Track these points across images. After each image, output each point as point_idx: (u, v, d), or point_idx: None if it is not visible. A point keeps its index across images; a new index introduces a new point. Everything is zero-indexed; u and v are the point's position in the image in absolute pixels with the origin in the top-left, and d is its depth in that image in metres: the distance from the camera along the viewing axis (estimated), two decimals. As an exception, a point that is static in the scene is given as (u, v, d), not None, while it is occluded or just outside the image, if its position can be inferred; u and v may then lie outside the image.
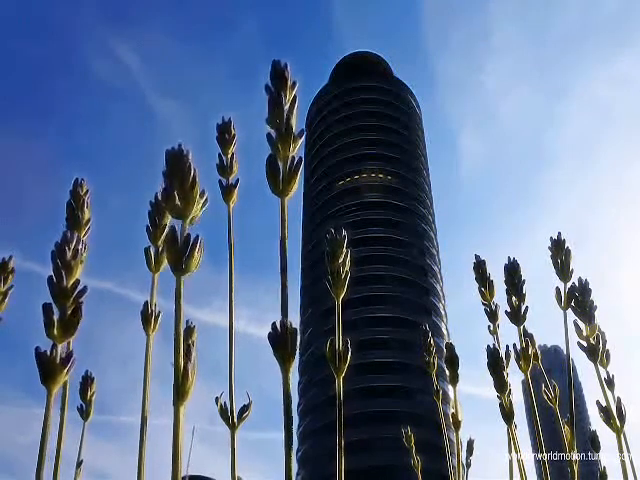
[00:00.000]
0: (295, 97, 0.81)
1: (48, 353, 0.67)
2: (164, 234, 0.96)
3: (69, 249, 0.70)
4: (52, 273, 0.69)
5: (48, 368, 0.66)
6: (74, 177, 0.97)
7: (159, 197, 0.97)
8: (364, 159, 53.28)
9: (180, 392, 0.63)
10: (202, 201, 0.71)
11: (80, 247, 0.72)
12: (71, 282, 0.69)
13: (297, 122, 0.80)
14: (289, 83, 0.81)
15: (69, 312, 0.68)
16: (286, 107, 0.79)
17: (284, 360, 0.70)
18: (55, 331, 0.67)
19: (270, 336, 0.71)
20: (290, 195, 0.77)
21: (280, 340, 0.70)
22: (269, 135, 0.78)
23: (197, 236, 0.67)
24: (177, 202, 0.68)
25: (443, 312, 49.99)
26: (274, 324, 0.71)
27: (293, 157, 0.78)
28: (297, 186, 0.78)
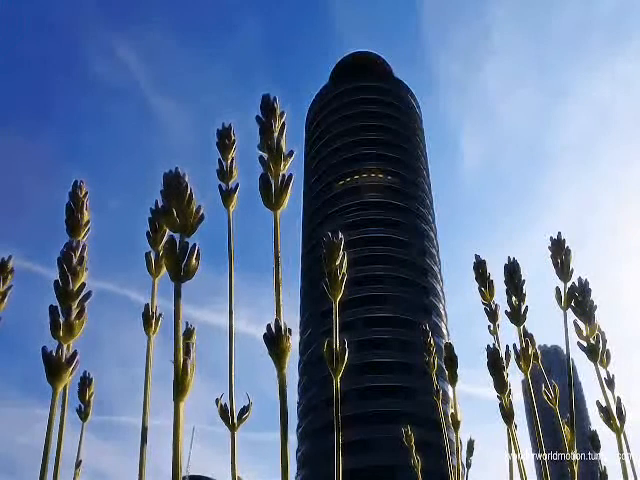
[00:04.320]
0: (284, 124, 0.90)
1: (54, 353, 0.71)
2: (163, 242, 1.01)
3: (75, 256, 0.76)
4: (58, 277, 0.74)
5: (54, 367, 0.71)
6: (74, 177, 0.97)
7: (159, 203, 0.98)
8: (364, 159, 53.30)
9: (180, 388, 0.66)
10: (198, 217, 0.76)
11: (85, 254, 0.78)
12: (77, 286, 0.75)
13: (287, 144, 0.88)
14: (278, 113, 0.91)
15: (74, 314, 0.73)
16: (276, 134, 0.89)
17: (279, 359, 0.74)
18: (61, 332, 0.72)
19: (265, 337, 0.75)
20: (282, 208, 0.85)
21: (274, 340, 0.75)
22: (261, 157, 0.87)
23: (194, 245, 0.72)
24: (175, 218, 0.74)
25: (443, 312, 50.00)
26: (269, 325, 0.76)
27: (284, 175, 0.86)
28: (288, 201, 0.85)
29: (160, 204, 0.97)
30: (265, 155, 0.87)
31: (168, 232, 0.82)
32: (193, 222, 0.75)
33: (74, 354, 0.72)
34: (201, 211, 0.76)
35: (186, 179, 0.76)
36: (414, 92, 61.65)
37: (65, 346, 0.72)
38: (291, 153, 0.88)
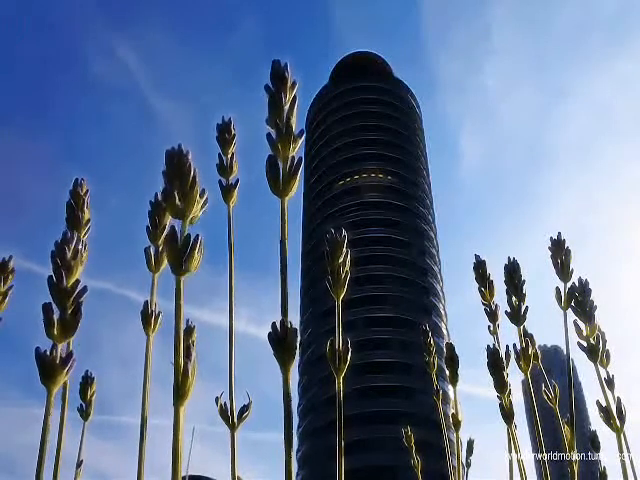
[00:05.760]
0: (295, 97, 0.81)
1: (48, 353, 0.67)
2: (164, 234, 0.96)
3: (69, 249, 0.70)
4: (52, 273, 0.69)
5: (48, 368, 0.66)
6: (74, 176, 0.97)
7: (159, 197, 0.97)
8: (364, 159, 53.30)
9: (180, 392, 0.63)
10: (202, 201, 0.70)
11: (80, 247, 0.72)
12: (71, 282, 0.69)
13: (297, 122, 0.80)
14: (289, 83, 0.81)
15: (69, 312, 0.68)
16: (286, 107, 0.80)
17: (284, 360, 0.70)
18: (55, 331, 0.67)
19: (270, 336, 0.71)
20: (290, 195, 0.77)
21: (280, 341, 0.70)
22: (269, 135, 0.78)
23: (197, 236, 0.66)
24: (177, 202, 0.68)
25: (443, 312, 49.99)
26: (274, 324, 0.71)
27: (293, 157, 0.78)
28: (297, 186, 0.78)
29: (160, 198, 0.96)
30: (273, 133, 0.78)
31: (169, 224, 0.80)
32: (197, 207, 0.68)
33: (70, 354, 0.68)
34: (205, 195, 0.70)
35: (189, 158, 0.69)
36: (414, 92, 61.72)
37: (60, 346, 0.68)
38: (301, 133, 0.79)
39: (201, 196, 0.70)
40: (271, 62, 0.82)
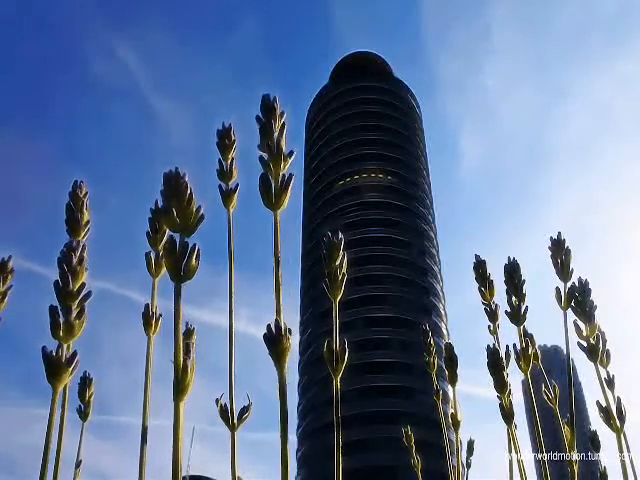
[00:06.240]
0: (284, 124, 0.90)
1: (54, 353, 0.72)
2: (163, 242, 1.01)
3: (75, 256, 0.77)
4: (58, 278, 0.75)
5: (55, 367, 0.71)
6: (74, 177, 0.97)
7: (159, 203, 0.98)
8: (364, 159, 53.30)
9: (180, 388, 0.66)
10: (198, 216, 0.76)
11: (85, 254, 0.78)
12: (77, 286, 0.75)
13: (287, 144, 0.89)
14: (278, 113, 0.91)
15: (74, 314, 0.74)
16: (276, 133, 0.89)
17: (279, 359, 0.75)
18: (61, 332, 0.73)
19: (265, 337, 0.76)
20: (282, 208, 0.85)
21: (274, 339, 0.75)
22: (261, 157, 0.87)
23: (194, 245, 0.73)
24: (175, 218, 0.74)
25: (443, 312, 49.99)
26: (269, 325, 0.76)
27: (284, 175, 0.86)
28: (288, 200, 0.86)
29: (160, 204, 0.97)
30: (265, 155, 0.87)
31: (168, 232, 0.82)
32: (193, 222, 0.75)
33: (74, 354, 0.73)
34: (201, 211, 0.76)
35: (186, 179, 0.76)
36: (414, 92, 61.73)
37: (65, 346, 0.72)
38: (291, 153, 0.88)
39: (197, 212, 0.76)
40: (261, 96, 0.92)
